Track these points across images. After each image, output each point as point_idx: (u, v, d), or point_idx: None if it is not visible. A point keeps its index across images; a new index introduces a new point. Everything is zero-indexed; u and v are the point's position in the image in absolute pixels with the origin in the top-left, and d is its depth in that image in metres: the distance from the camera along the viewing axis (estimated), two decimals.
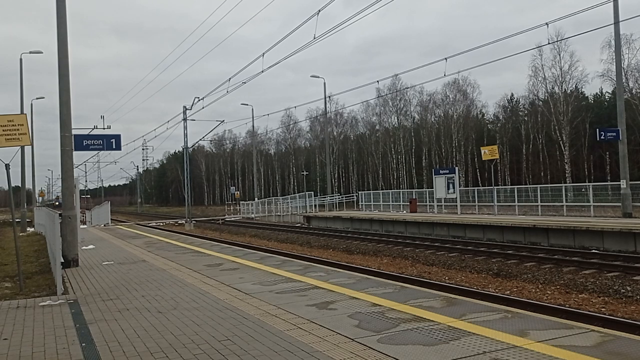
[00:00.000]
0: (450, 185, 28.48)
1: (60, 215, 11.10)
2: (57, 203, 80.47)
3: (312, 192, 46.99)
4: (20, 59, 31.21)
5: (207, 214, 56.69)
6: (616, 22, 20.92)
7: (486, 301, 7.49)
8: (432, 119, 65.10)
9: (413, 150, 63.56)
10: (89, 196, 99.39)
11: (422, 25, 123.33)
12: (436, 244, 18.89)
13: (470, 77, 60.78)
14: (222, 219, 43.37)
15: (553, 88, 51.30)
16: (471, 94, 61.56)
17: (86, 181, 70.70)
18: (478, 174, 58.92)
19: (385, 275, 11.97)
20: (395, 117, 67.47)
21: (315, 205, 42.99)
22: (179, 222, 41.88)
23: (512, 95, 61.03)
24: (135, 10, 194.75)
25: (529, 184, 43.41)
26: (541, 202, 25.08)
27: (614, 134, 21.80)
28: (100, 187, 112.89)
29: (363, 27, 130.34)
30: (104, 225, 30.10)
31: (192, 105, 38.25)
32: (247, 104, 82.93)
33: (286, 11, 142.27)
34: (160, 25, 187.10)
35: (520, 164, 56.35)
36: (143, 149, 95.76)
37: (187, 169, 43.44)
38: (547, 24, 19.10)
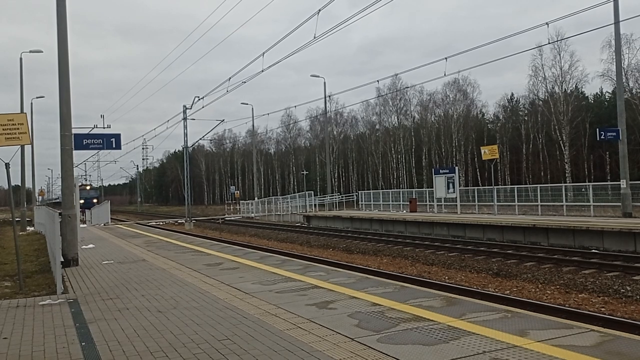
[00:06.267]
0: (450, 185, 28.47)
1: (60, 214, 11.10)
2: None
3: (312, 192, 46.94)
4: (20, 58, 31.28)
5: (207, 214, 56.67)
6: (616, 22, 20.91)
7: (486, 301, 7.49)
8: (432, 119, 65.06)
9: (413, 150, 63.52)
10: None
11: (426, 26, 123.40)
12: (436, 244, 18.89)
13: (470, 76, 60.67)
14: (222, 219, 43.36)
15: (553, 88, 51.30)
16: (471, 94, 61.59)
17: (86, 180, 71.20)
18: (478, 174, 58.90)
19: (385, 275, 11.98)
20: (395, 117, 67.47)
21: (315, 205, 42.97)
22: (179, 221, 41.88)
23: (512, 95, 61.10)
24: (140, 11, 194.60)
25: (529, 184, 43.36)
26: (541, 202, 25.06)
27: (614, 133, 21.79)
28: (100, 186, 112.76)
29: (367, 28, 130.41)
30: (104, 225, 30.09)
31: (192, 104, 38.26)
32: (247, 104, 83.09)
33: (292, 12, 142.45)
34: (165, 26, 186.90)
35: (520, 163, 56.32)
36: (143, 149, 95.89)
37: (187, 169, 43.44)
38: (547, 24, 19.10)
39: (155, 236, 19.77)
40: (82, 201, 51.56)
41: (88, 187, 66.95)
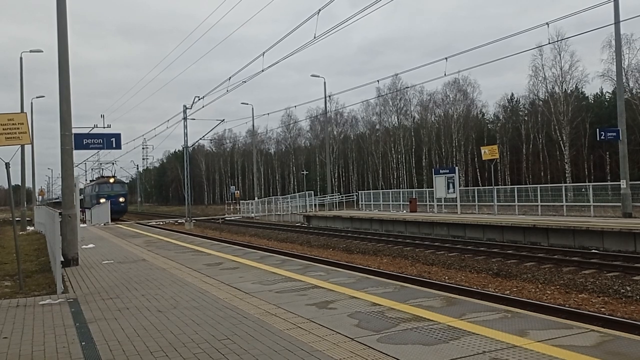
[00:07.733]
0: (450, 185, 28.47)
1: (60, 214, 11.10)
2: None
3: (312, 192, 46.93)
4: (21, 58, 31.33)
5: (207, 213, 56.65)
6: (616, 22, 20.91)
7: (486, 301, 7.49)
8: (432, 119, 65.09)
9: (413, 150, 63.53)
10: None
11: (426, 26, 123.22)
12: (436, 244, 18.89)
13: (470, 76, 60.73)
14: (222, 218, 43.36)
15: (553, 88, 51.31)
16: (471, 94, 61.63)
17: (86, 180, 70.12)
18: (478, 174, 58.89)
19: (385, 275, 11.97)
20: (396, 117, 67.49)
21: (315, 205, 42.97)
22: (179, 221, 41.87)
23: (513, 95, 61.12)
24: (140, 11, 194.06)
25: (529, 184, 43.33)
26: (541, 202, 25.06)
27: (614, 134, 21.79)
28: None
29: (367, 28, 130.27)
30: (104, 224, 30.10)
31: (192, 104, 38.29)
32: (247, 103, 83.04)
33: (293, 12, 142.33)
34: (165, 26, 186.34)
35: (520, 164, 56.33)
36: (143, 148, 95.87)
37: (187, 168, 43.44)
38: (547, 24, 19.10)
39: (155, 236, 19.77)
40: (102, 200, 44.19)
41: (112, 180, 49.71)
